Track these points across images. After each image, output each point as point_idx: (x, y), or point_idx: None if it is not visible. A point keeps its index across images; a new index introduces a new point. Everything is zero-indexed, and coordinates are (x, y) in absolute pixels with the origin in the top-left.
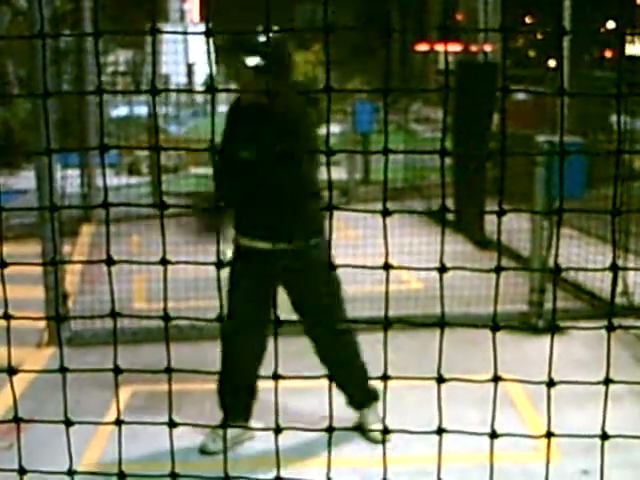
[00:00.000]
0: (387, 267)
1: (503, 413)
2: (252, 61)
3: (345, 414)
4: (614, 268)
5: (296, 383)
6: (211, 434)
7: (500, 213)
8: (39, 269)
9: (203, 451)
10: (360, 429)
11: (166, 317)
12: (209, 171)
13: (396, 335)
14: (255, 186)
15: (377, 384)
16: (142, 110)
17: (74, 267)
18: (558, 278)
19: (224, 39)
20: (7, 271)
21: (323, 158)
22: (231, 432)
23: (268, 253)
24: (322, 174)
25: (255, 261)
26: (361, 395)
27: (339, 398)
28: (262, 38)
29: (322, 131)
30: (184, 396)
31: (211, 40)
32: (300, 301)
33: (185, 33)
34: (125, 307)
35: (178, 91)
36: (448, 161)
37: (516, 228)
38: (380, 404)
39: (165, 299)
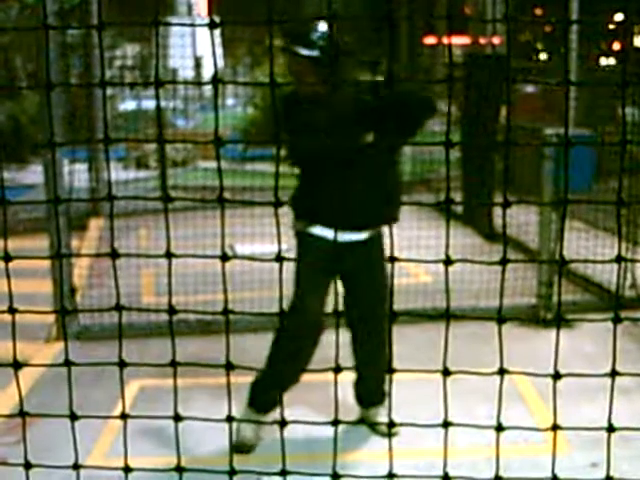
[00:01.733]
0: (392, 260)
1: (512, 407)
2: (305, 51)
3: (353, 407)
4: (619, 260)
5: (304, 377)
6: (241, 429)
7: (505, 205)
8: (48, 263)
9: (240, 449)
10: (367, 423)
11: (171, 310)
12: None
13: (405, 329)
14: (354, 176)
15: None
16: (150, 104)
17: (83, 261)
18: (567, 271)
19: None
20: (16, 266)
21: None
22: (262, 428)
23: (347, 244)
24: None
25: (329, 253)
26: (376, 394)
27: (347, 392)
28: (316, 31)
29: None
30: (194, 390)
31: (218, 33)
32: (358, 289)
33: (189, 25)
34: (134, 301)
35: (182, 83)
36: (456, 154)
37: (525, 221)
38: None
39: (170, 292)
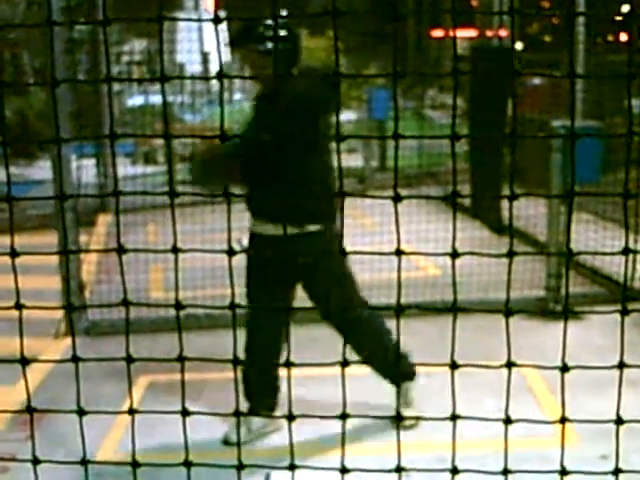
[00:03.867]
0: (399, 253)
1: (521, 400)
2: (259, 46)
3: (364, 401)
4: (627, 252)
5: (311, 371)
6: (235, 425)
7: (512, 197)
8: (57, 260)
9: (226, 442)
10: (376, 417)
11: (178, 305)
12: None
13: (414, 322)
14: (269, 169)
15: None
16: (158, 99)
17: (91, 257)
18: (576, 263)
19: (234, 27)
20: (25, 262)
21: (342, 145)
22: (256, 423)
23: (279, 238)
24: (339, 162)
25: (267, 247)
26: (395, 375)
27: (354, 386)
28: (268, 24)
29: (340, 117)
30: (203, 385)
31: (225, 28)
32: (311, 287)
33: (194, 20)
34: (142, 297)
35: (188, 78)
36: (464, 147)
37: (533, 214)
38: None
39: (177, 287)
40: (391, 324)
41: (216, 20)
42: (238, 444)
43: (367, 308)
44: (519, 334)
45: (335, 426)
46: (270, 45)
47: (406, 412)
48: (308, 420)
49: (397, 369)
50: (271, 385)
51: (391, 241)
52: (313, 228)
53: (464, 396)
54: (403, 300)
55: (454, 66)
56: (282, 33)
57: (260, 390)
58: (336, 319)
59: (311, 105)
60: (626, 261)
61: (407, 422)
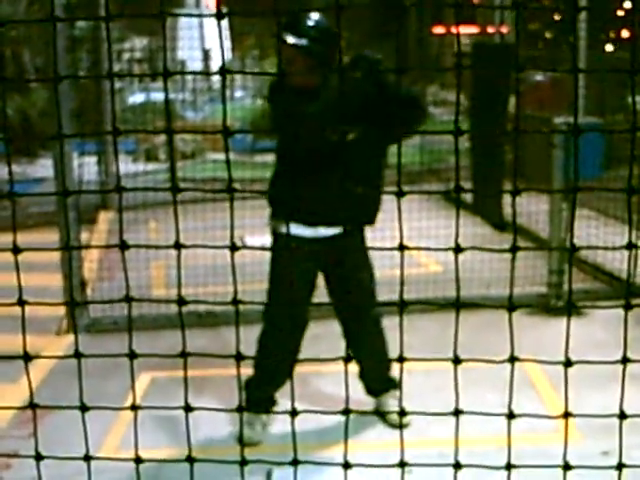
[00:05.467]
0: (402, 248)
1: (524, 396)
2: (293, 40)
3: (365, 398)
4: (630, 247)
5: (314, 367)
6: (245, 422)
7: (515, 193)
8: (59, 257)
9: (240, 440)
10: (378, 413)
11: (181, 301)
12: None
13: (416, 318)
14: (332, 171)
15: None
16: (159, 97)
17: (93, 255)
18: (578, 260)
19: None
20: (27, 259)
21: None
22: (260, 419)
23: (323, 240)
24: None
25: (306, 249)
26: (382, 381)
27: (357, 383)
28: (309, 20)
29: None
30: (205, 382)
31: (226, 25)
32: (341, 285)
33: (196, 15)
34: (144, 294)
35: (189, 73)
36: (466, 144)
37: (535, 211)
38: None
39: (179, 283)
40: (393, 320)
41: (219, 15)
42: (241, 442)
43: (380, 311)
44: (521, 330)
45: (337, 422)
46: (308, 42)
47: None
48: (310, 416)
49: (385, 377)
50: (279, 386)
51: (393, 237)
52: (356, 226)
53: (466, 392)
54: (405, 296)
55: (458, 62)
56: (322, 31)
57: (266, 390)
58: (354, 318)
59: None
60: (629, 256)
61: (403, 420)
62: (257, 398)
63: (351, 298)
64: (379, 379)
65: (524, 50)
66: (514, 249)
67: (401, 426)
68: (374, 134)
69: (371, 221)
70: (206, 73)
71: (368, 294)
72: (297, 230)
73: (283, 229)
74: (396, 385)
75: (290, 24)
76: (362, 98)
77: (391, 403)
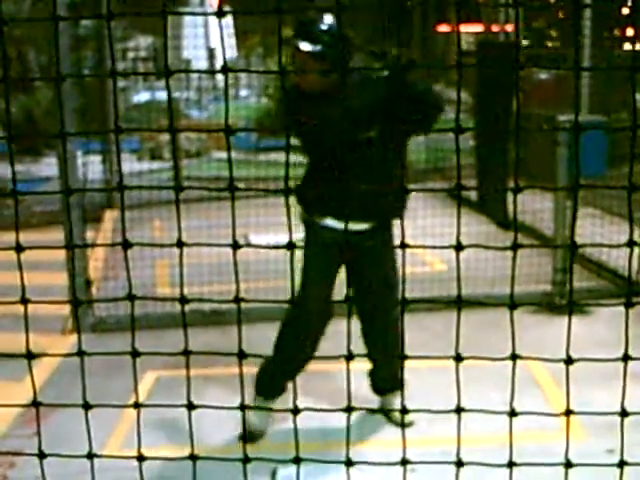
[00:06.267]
0: (403, 246)
1: (528, 394)
2: (307, 47)
3: (369, 396)
4: (631, 244)
5: (315, 366)
6: (252, 417)
7: (516, 190)
8: (64, 257)
9: (250, 430)
10: (381, 410)
11: (183, 300)
12: (232, 155)
13: (420, 317)
14: (360, 167)
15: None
16: (163, 95)
17: (98, 254)
18: (582, 258)
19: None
20: (32, 258)
21: None
22: (266, 404)
23: (354, 233)
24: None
25: (334, 243)
26: (391, 381)
27: (359, 381)
28: (321, 25)
29: None
30: (209, 381)
31: (230, 24)
32: (366, 280)
33: (199, 14)
34: (149, 292)
35: (193, 71)
36: (470, 142)
37: (539, 209)
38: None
39: (181, 281)
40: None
41: (220, 14)
42: (244, 439)
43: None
44: (525, 328)
45: (340, 420)
46: (320, 48)
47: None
48: (313, 414)
49: (394, 376)
50: (291, 379)
51: (397, 236)
52: (387, 222)
53: (469, 390)
54: (408, 295)
55: (459, 60)
56: (334, 36)
57: (280, 383)
58: (374, 313)
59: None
60: (630, 254)
61: (406, 420)
62: (269, 384)
63: (375, 295)
64: (388, 378)
65: (529, 49)
66: (516, 246)
67: (403, 425)
68: (395, 131)
69: (399, 216)
70: (209, 71)
71: (391, 292)
72: (330, 222)
73: (316, 221)
74: (402, 385)
75: (302, 30)
76: (384, 96)
77: (396, 402)
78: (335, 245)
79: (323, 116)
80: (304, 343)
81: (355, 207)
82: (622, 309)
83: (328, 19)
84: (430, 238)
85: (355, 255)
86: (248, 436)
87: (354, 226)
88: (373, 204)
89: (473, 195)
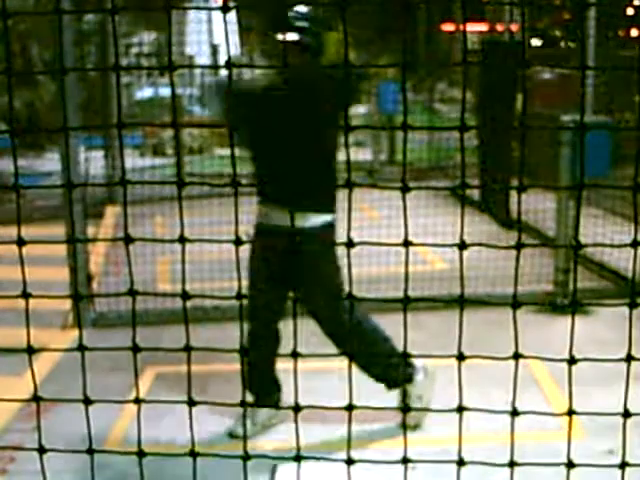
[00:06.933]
0: (407, 244)
1: (528, 394)
2: (285, 37)
3: (370, 396)
4: (635, 244)
5: (318, 364)
6: (240, 418)
7: (520, 189)
8: (65, 252)
9: (231, 435)
10: (382, 408)
11: (185, 295)
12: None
13: (421, 316)
14: (280, 157)
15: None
16: (166, 92)
17: (99, 249)
18: (583, 258)
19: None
20: (34, 253)
21: (350, 138)
22: (260, 416)
23: (282, 227)
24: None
25: (270, 235)
26: (388, 375)
27: (360, 379)
28: (296, 15)
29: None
30: (210, 377)
31: (235, 19)
32: (298, 279)
33: (203, 8)
34: (149, 288)
35: (196, 67)
36: (473, 142)
37: (542, 209)
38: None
39: (183, 277)
40: (398, 317)
41: (225, 9)
42: (244, 436)
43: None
44: (527, 328)
45: (340, 420)
46: (297, 37)
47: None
48: (314, 415)
49: (391, 374)
50: (273, 377)
51: (398, 235)
52: (312, 222)
53: (471, 389)
54: (410, 294)
55: (464, 58)
56: (306, 26)
57: (263, 382)
58: (326, 327)
59: (332, 96)
60: (635, 254)
61: (412, 422)
62: (256, 386)
63: (306, 293)
64: (381, 373)
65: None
66: (519, 246)
67: (404, 424)
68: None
69: (316, 207)
70: (213, 66)
71: (326, 293)
72: (262, 219)
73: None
74: (411, 379)
75: (277, 21)
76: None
77: (410, 393)
78: (270, 239)
79: (269, 103)
80: (259, 345)
81: (279, 197)
82: (623, 310)
83: (301, 8)
84: (432, 237)
85: (287, 252)
86: (231, 435)
87: (276, 216)
88: (291, 193)
89: (475, 194)
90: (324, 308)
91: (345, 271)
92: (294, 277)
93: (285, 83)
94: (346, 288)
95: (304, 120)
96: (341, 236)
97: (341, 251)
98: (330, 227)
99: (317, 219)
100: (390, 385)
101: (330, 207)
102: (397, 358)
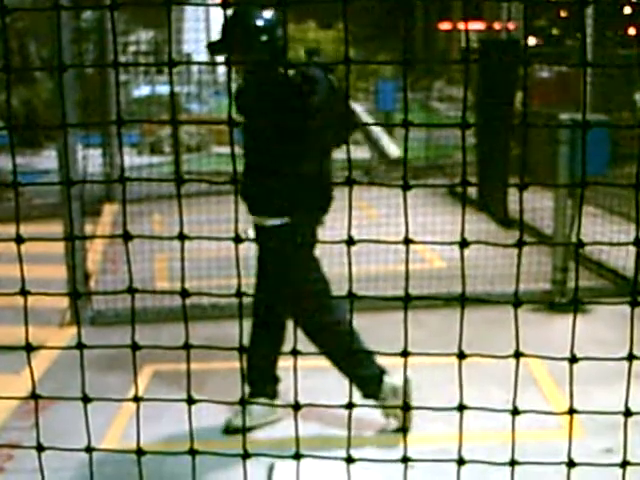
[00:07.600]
0: (407, 242)
1: (528, 393)
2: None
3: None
4: (637, 243)
5: (315, 362)
6: (237, 411)
7: (522, 187)
8: (63, 250)
9: (227, 427)
10: (382, 407)
11: (184, 293)
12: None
13: (420, 314)
14: (248, 160)
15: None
16: (164, 89)
17: (97, 247)
18: (582, 257)
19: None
20: (32, 251)
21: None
22: (257, 411)
23: (258, 228)
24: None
25: (266, 237)
26: (361, 387)
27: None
28: (255, 17)
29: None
30: (208, 375)
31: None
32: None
33: (202, 5)
34: (148, 286)
35: (194, 63)
36: (471, 140)
37: (540, 208)
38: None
39: (183, 274)
40: (398, 315)
41: (225, 5)
42: (243, 433)
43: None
44: (525, 327)
45: (339, 418)
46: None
47: (394, 402)
48: (313, 413)
49: (363, 378)
50: (272, 373)
51: (397, 233)
52: (280, 221)
53: (470, 388)
54: (409, 292)
55: (464, 57)
56: (264, 25)
57: (262, 376)
58: (302, 325)
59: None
60: (637, 252)
61: (396, 425)
62: (255, 380)
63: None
64: (359, 385)
65: (531, 47)
66: (520, 244)
67: (404, 424)
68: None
69: (276, 213)
70: (212, 63)
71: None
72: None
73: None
74: (379, 394)
75: (234, 23)
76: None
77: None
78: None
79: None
80: (267, 342)
81: (252, 203)
82: (622, 309)
83: (268, 13)
84: (430, 235)
85: (259, 252)
86: (227, 428)
87: (252, 218)
88: (254, 197)
89: (473, 193)
90: (292, 307)
91: (345, 270)
92: (263, 273)
93: (249, 86)
94: (345, 287)
95: (262, 126)
96: (339, 235)
97: (320, 250)
98: (288, 226)
99: (274, 221)
100: (368, 395)
101: (286, 212)
102: (368, 363)
